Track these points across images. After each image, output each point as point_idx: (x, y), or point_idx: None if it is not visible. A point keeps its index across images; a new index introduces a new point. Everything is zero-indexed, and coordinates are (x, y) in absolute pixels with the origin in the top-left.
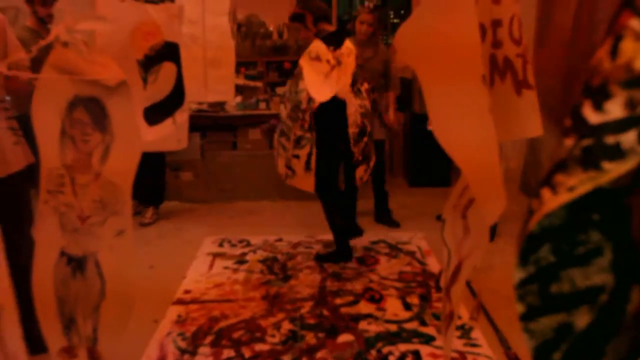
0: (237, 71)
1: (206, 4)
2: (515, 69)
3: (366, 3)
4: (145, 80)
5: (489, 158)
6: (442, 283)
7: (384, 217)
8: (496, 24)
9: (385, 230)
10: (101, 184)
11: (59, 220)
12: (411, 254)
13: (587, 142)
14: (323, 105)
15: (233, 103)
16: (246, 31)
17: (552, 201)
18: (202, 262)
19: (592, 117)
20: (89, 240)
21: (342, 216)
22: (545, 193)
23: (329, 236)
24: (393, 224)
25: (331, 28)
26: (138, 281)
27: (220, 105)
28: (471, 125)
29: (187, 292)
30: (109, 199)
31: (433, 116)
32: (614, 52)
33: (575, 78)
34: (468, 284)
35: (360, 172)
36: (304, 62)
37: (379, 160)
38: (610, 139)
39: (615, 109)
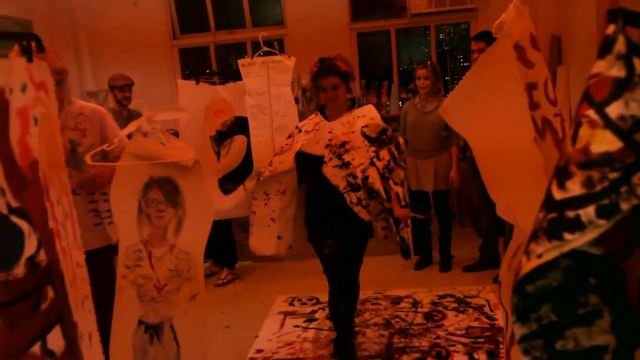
0: None
1: (271, 78)
2: (555, 127)
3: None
4: (218, 154)
5: None
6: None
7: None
8: (532, 87)
9: (452, 284)
10: (176, 254)
11: (137, 292)
12: (479, 308)
13: (552, 215)
14: None
15: None
16: (310, 95)
17: (526, 266)
18: (273, 321)
19: (557, 193)
20: (165, 307)
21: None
22: (523, 259)
23: (397, 292)
24: (444, 267)
25: None
26: (213, 342)
27: None
28: (527, 184)
29: (258, 351)
30: (183, 267)
31: (487, 179)
32: (575, 137)
33: None
34: None
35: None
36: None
37: (444, 211)
38: (570, 213)
39: (574, 187)
